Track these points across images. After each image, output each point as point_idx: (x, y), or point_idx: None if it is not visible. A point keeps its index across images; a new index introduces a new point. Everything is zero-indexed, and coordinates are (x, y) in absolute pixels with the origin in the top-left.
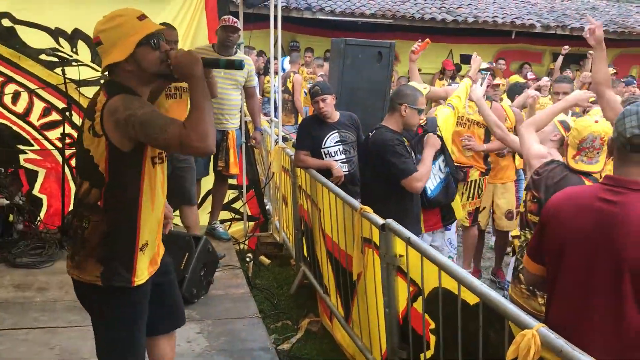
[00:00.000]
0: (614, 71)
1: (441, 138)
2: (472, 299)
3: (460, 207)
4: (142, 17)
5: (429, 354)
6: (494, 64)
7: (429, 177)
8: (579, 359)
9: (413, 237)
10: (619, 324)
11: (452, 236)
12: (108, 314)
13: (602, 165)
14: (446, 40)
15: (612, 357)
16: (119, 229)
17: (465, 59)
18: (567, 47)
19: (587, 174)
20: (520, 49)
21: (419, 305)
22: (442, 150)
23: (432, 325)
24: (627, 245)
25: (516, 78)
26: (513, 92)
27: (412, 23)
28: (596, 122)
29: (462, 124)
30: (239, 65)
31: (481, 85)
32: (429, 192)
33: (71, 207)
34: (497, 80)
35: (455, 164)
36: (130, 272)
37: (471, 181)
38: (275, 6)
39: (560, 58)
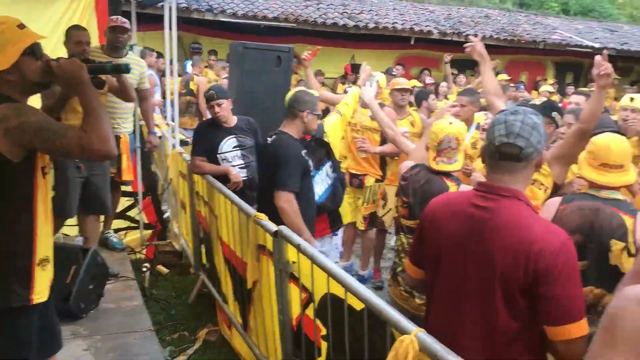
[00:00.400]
0: (508, 78)
1: (328, 144)
2: (358, 305)
3: (348, 212)
4: (22, 25)
5: None
6: (395, 70)
7: (295, 208)
8: None
9: (303, 243)
10: (490, 328)
11: (339, 241)
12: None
13: (460, 165)
14: (348, 45)
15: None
16: (15, 244)
17: (355, 68)
18: (449, 55)
19: (448, 174)
20: (420, 54)
21: (310, 311)
22: (329, 156)
23: (323, 332)
24: (495, 250)
25: (414, 83)
26: (420, 97)
27: (315, 27)
28: (450, 123)
29: (357, 131)
30: (125, 69)
31: (371, 86)
32: (316, 197)
33: None
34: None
35: (352, 171)
36: (28, 290)
37: (367, 187)
38: (170, 8)
39: (447, 66)
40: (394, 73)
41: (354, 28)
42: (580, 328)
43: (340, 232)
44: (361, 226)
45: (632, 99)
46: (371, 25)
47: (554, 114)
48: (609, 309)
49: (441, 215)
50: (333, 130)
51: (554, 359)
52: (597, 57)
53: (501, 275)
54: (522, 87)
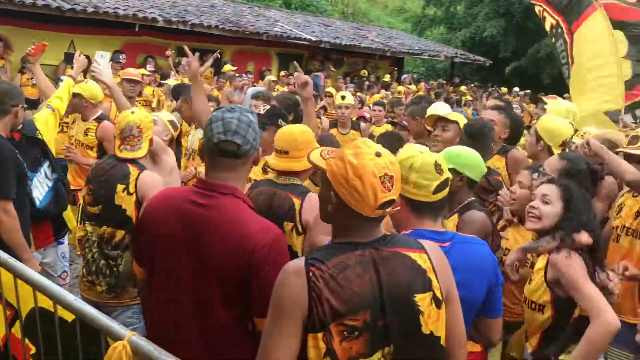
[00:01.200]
0: (235, 67)
1: (44, 142)
2: (69, 316)
3: (73, 217)
4: None
5: None
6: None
7: (14, 220)
8: None
9: (4, 255)
10: (206, 324)
11: (65, 249)
12: None
13: (144, 152)
14: (67, 30)
15: (200, 356)
16: None
17: (69, 58)
18: (170, 51)
19: (133, 161)
20: (146, 42)
21: (17, 330)
22: (46, 155)
23: (33, 350)
24: (211, 246)
25: (143, 71)
26: (178, 92)
27: (22, 8)
28: (133, 112)
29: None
30: None
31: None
32: (37, 202)
33: None
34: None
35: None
36: None
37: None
38: None
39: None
40: (120, 60)
41: (70, 11)
42: None
43: (66, 240)
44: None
45: (343, 97)
46: (90, 10)
47: (280, 121)
48: (275, 286)
49: (158, 211)
50: (46, 126)
51: None
52: None
53: (218, 270)
54: (245, 76)
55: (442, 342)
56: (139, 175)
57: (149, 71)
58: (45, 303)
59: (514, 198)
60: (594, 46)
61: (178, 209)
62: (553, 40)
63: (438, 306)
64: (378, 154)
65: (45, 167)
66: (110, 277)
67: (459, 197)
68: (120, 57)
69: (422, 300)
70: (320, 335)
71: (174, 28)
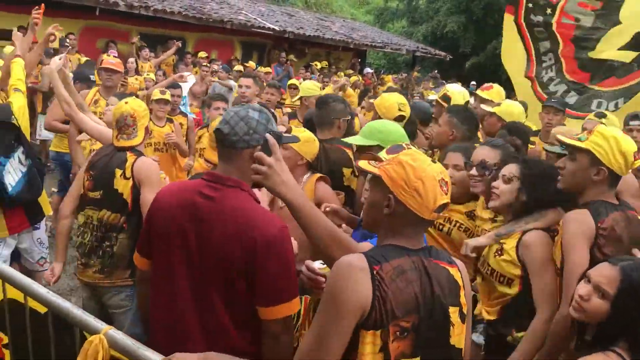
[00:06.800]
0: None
1: (19, 128)
2: (42, 308)
3: (48, 202)
4: None
5: None
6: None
7: None
8: (144, 356)
9: None
10: (206, 315)
11: (42, 235)
12: None
13: (141, 139)
14: (20, 11)
15: (203, 350)
16: None
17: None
18: (136, 38)
19: (130, 148)
20: (107, 26)
21: None
22: (20, 141)
23: (5, 340)
24: (215, 237)
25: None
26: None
27: None
28: (126, 103)
29: None
30: None
31: (60, 59)
32: (9, 188)
33: None
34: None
35: None
36: None
37: None
38: None
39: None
40: (66, 44)
41: None
42: (290, 308)
43: (42, 225)
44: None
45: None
46: None
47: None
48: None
49: (168, 203)
50: (23, 112)
51: (270, 342)
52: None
53: (221, 262)
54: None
55: (462, 354)
56: (135, 160)
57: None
58: (16, 294)
59: (453, 182)
60: None
61: (187, 202)
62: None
63: (463, 320)
64: (433, 161)
65: (19, 153)
66: (104, 258)
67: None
68: (67, 41)
69: (454, 313)
70: (378, 332)
71: (135, 13)
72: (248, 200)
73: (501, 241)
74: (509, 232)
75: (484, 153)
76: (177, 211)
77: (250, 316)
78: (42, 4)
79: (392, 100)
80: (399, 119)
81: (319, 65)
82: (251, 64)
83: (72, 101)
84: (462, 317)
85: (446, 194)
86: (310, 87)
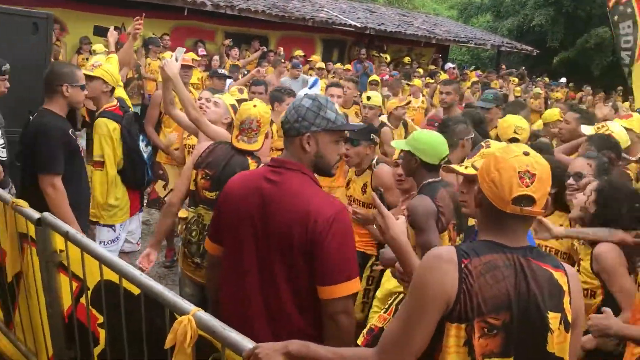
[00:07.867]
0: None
1: (140, 117)
2: (136, 290)
3: None
4: None
5: (99, 349)
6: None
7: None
8: (229, 337)
9: (71, 230)
10: (269, 294)
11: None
12: None
13: (260, 145)
14: (118, 13)
15: (267, 332)
16: None
17: (100, 31)
18: (227, 41)
19: (250, 153)
20: (194, 26)
21: (84, 300)
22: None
23: (100, 319)
24: (277, 219)
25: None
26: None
27: None
28: (255, 106)
29: None
30: None
31: (177, 60)
32: (149, 172)
33: None
34: None
35: None
36: None
37: None
38: None
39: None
40: (161, 44)
41: None
42: (349, 287)
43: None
44: None
45: (368, 98)
46: None
47: (372, 136)
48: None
49: (237, 191)
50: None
51: (330, 324)
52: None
53: (282, 242)
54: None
55: None
56: (256, 168)
57: (200, 56)
58: (112, 276)
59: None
60: None
61: (254, 187)
62: (616, 18)
63: (567, 329)
64: (526, 153)
65: (140, 142)
66: None
67: (418, 179)
68: (163, 40)
69: (554, 319)
70: (463, 326)
71: (221, 12)
72: (309, 182)
73: (579, 257)
74: (579, 233)
75: (581, 165)
76: (244, 198)
77: (312, 298)
78: (143, 14)
79: (510, 122)
80: (512, 140)
81: (388, 59)
82: (315, 57)
83: (196, 105)
84: (566, 325)
85: (527, 186)
86: (374, 101)
